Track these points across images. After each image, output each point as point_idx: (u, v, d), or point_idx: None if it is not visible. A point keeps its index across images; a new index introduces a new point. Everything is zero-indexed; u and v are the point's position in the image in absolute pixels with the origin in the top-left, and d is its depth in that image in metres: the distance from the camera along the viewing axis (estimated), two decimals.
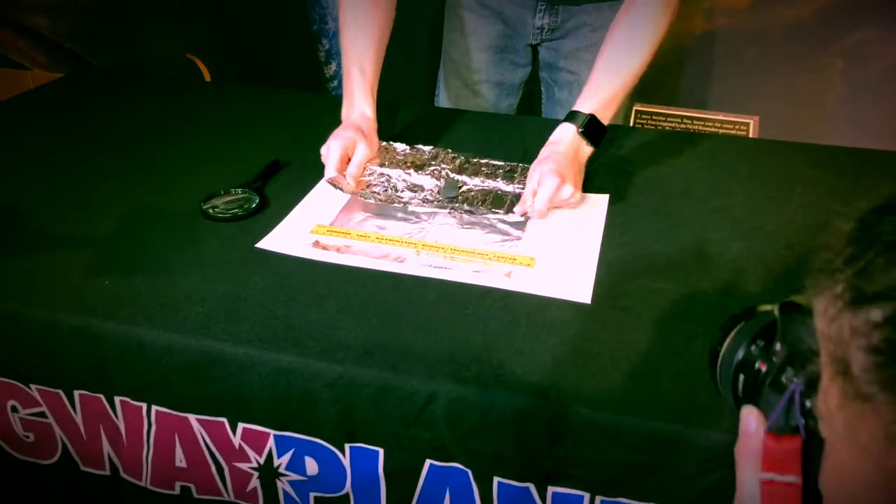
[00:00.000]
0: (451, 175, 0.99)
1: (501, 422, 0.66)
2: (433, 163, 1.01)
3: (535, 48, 1.33)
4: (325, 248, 0.85)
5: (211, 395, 0.73)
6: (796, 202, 0.97)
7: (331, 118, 1.03)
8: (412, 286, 0.79)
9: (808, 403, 0.39)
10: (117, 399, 0.76)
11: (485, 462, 0.68)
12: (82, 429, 0.80)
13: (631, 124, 2.22)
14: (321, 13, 2.26)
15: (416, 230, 0.89)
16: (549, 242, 0.87)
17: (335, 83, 2.37)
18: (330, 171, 0.96)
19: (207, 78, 2.29)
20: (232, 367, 0.71)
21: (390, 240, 0.87)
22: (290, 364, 0.69)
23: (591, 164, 0.99)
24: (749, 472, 0.42)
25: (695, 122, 2.22)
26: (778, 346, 0.43)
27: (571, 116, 0.96)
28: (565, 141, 0.95)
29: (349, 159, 0.98)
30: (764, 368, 0.45)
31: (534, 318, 0.74)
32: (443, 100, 1.42)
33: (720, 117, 2.23)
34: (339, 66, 2.37)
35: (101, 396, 0.77)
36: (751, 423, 0.43)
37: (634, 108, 2.32)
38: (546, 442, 0.66)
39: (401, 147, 1.05)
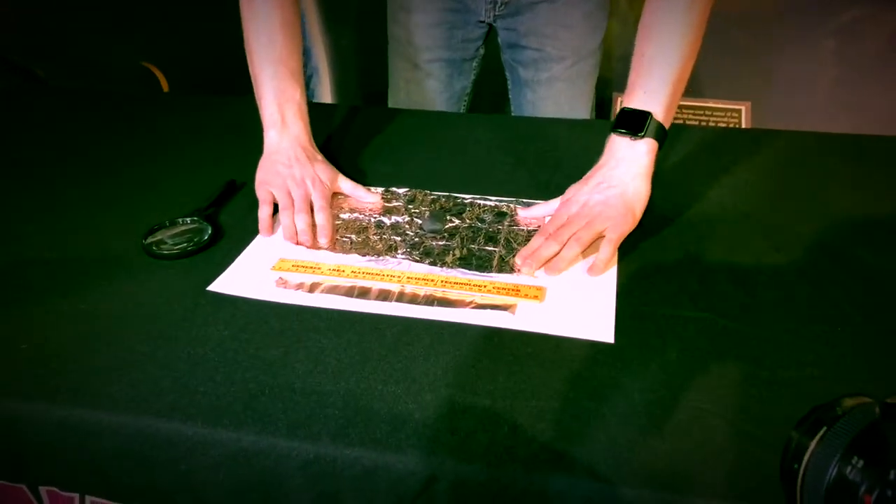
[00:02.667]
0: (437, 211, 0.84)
1: None
2: (410, 206, 0.85)
3: (490, 26, 1.23)
4: (290, 286, 0.71)
5: (157, 483, 0.59)
6: (829, 201, 0.85)
7: None
8: (399, 332, 0.65)
9: None
10: (42, 489, 0.62)
11: None
12: None
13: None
14: None
15: (395, 263, 0.75)
16: None
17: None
18: (325, 231, 0.78)
19: (165, 87, 2.14)
20: (181, 449, 0.57)
21: (369, 273, 0.73)
22: (253, 443, 0.56)
23: (584, 168, 0.83)
24: None
25: (684, 110, 2.11)
26: (893, 475, 0.32)
27: (633, 122, 0.77)
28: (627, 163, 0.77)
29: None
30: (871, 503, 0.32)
31: (550, 365, 0.61)
32: (392, 85, 1.30)
33: (710, 104, 2.13)
34: (304, 66, 2.23)
35: (23, 487, 0.62)
36: None
37: (619, 98, 2.21)
38: None
39: (371, 190, 0.88)
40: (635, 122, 0.77)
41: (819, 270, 0.73)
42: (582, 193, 0.78)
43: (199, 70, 2.18)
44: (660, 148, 0.79)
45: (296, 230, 0.78)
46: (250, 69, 0.88)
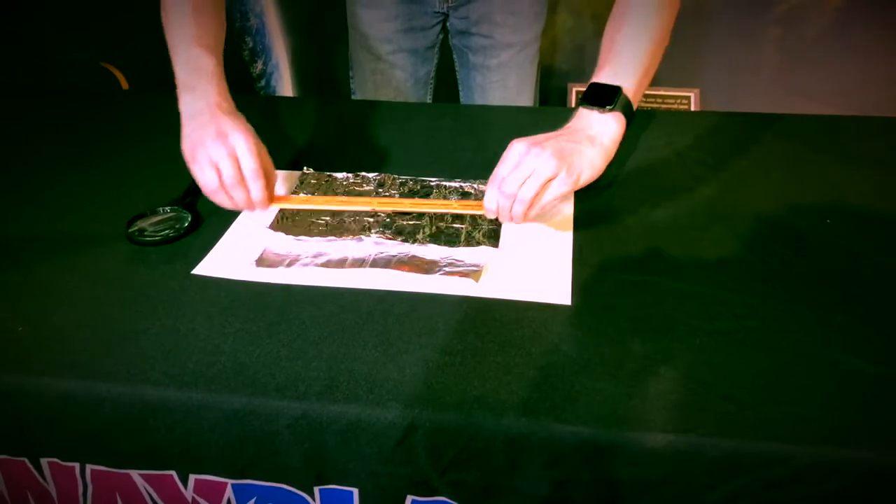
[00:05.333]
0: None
1: (489, 448, 0.59)
2: (380, 191, 0.90)
3: (443, 15, 1.31)
4: (270, 265, 0.76)
5: (155, 447, 0.63)
6: (767, 175, 0.93)
7: (259, 121, 0.92)
8: (375, 303, 0.71)
9: None
10: (44, 461, 0.66)
11: (473, 493, 0.61)
12: (6, 494, 0.70)
13: (572, 105, 2.18)
14: (243, 10, 2.14)
15: (370, 242, 0.81)
16: (517, 239, 0.80)
17: (262, 82, 2.26)
18: (258, 195, 0.77)
19: (125, 86, 2.15)
20: (176, 414, 0.62)
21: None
22: (244, 405, 0.61)
23: None
24: None
25: None
26: None
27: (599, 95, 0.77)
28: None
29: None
30: None
31: (512, 327, 0.68)
32: (357, 77, 1.37)
33: (661, 92, 2.21)
34: (265, 64, 2.26)
35: (25, 459, 0.66)
36: None
37: (574, 88, 2.29)
38: (541, 465, 0.59)
39: (341, 176, 0.92)
40: (604, 97, 0.78)
41: (756, 237, 0.80)
42: (540, 136, 0.76)
43: (157, 68, 2.19)
44: (627, 127, 0.79)
45: (235, 203, 0.77)
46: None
